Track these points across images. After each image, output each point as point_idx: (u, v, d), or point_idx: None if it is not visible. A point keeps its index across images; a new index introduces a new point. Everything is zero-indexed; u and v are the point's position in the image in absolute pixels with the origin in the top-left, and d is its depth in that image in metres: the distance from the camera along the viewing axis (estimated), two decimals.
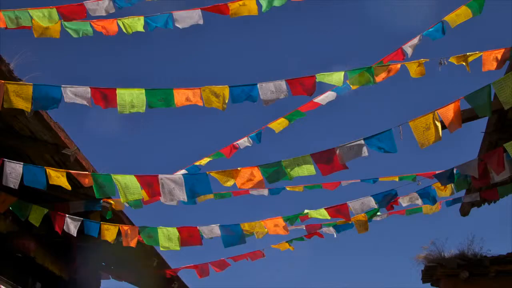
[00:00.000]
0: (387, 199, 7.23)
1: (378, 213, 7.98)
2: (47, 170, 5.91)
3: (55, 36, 6.06)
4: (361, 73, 5.98)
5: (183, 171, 7.35)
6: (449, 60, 5.82)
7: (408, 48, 6.37)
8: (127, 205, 7.00)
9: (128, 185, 5.81)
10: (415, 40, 6.39)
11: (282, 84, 5.63)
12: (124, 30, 6.28)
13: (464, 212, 9.28)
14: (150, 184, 5.82)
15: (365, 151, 5.47)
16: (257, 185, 5.84)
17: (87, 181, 6.06)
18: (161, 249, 7.13)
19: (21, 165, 5.82)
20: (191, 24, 6.43)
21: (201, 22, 6.43)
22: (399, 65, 6.05)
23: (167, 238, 6.97)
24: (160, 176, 5.81)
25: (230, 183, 5.83)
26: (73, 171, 6.11)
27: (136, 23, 6.32)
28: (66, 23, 6.11)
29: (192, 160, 7.77)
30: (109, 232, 6.97)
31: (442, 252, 9.48)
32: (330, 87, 6.82)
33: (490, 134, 6.99)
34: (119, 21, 6.28)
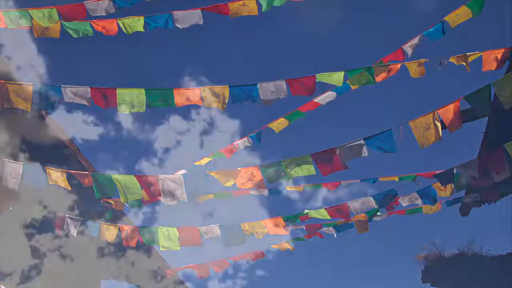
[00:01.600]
0: (387, 199, 7.23)
1: (378, 213, 7.98)
2: (47, 170, 5.91)
3: (55, 36, 6.06)
4: (361, 73, 5.98)
5: (183, 171, 7.35)
6: (449, 60, 5.83)
7: (408, 48, 6.38)
8: (127, 205, 7.00)
9: (128, 185, 5.81)
10: (415, 40, 6.39)
11: (282, 84, 5.64)
12: (124, 30, 6.28)
13: (464, 212, 9.28)
14: (150, 184, 5.82)
15: (365, 151, 5.48)
16: (257, 185, 5.84)
17: (87, 181, 6.06)
18: (161, 249, 7.13)
19: (21, 165, 5.82)
20: (191, 24, 6.43)
21: (201, 22, 6.43)
22: (399, 65, 6.05)
23: (167, 238, 6.97)
24: (160, 176, 5.81)
25: (230, 183, 5.84)
26: (73, 171, 6.12)
27: (136, 23, 6.32)
28: (66, 23, 6.11)
29: (192, 160, 7.78)
30: (109, 232, 6.98)
31: (442, 252, 9.49)
32: (330, 87, 6.82)
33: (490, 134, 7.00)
34: (119, 21, 6.28)
